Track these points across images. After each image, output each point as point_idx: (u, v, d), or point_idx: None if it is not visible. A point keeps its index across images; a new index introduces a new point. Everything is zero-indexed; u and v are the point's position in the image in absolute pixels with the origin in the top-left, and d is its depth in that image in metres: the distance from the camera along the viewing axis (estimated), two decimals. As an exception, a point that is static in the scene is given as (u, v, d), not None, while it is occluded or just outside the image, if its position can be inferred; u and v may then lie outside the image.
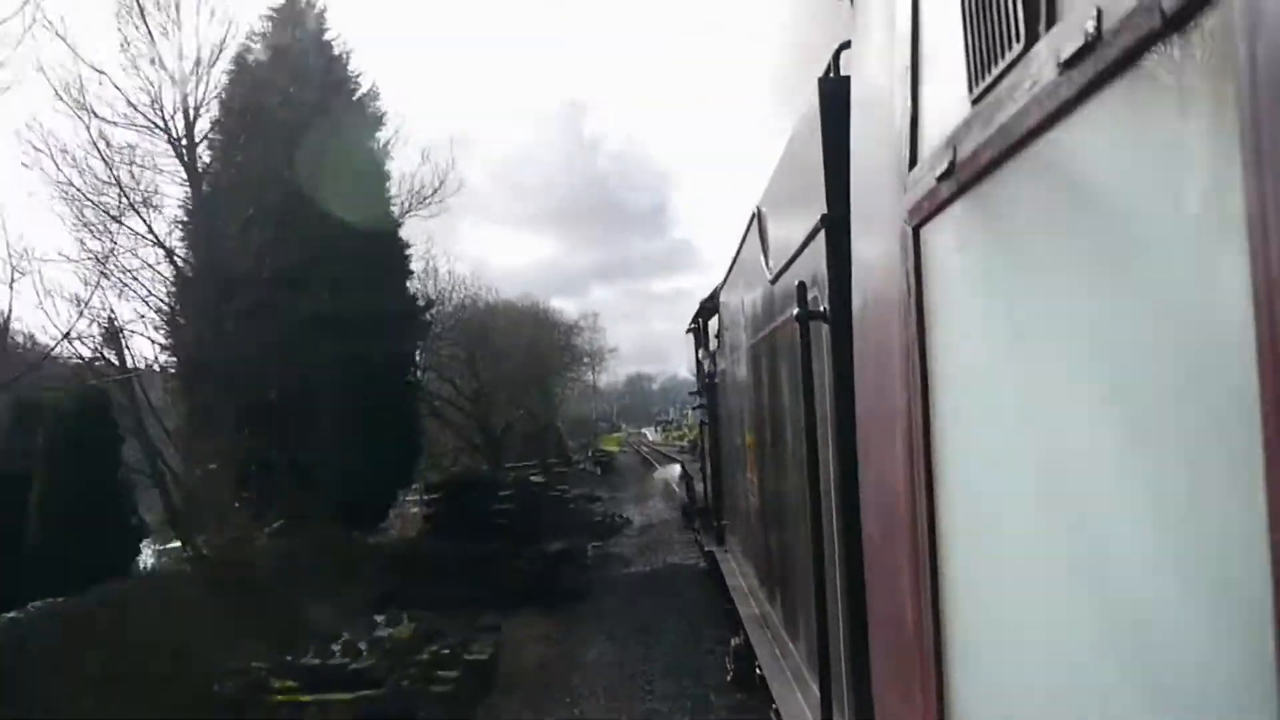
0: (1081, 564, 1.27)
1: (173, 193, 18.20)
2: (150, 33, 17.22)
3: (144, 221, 17.33)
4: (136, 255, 17.41)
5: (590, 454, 51.14)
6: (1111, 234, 1.14)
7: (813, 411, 3.42)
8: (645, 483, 36.88)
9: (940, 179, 1.64)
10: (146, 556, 17.12)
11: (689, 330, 13.63)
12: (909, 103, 1.90)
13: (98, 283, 16.29)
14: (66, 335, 15.06)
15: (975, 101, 1.50)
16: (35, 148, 16.44)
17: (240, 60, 18.52)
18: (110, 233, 17.09)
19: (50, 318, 17.83)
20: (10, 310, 15.65)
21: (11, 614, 9.86)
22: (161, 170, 17.90)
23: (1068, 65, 1.16)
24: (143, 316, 17.56)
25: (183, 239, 18.15)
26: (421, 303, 22.51)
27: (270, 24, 19.16)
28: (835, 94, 3.25)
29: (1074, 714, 1.32)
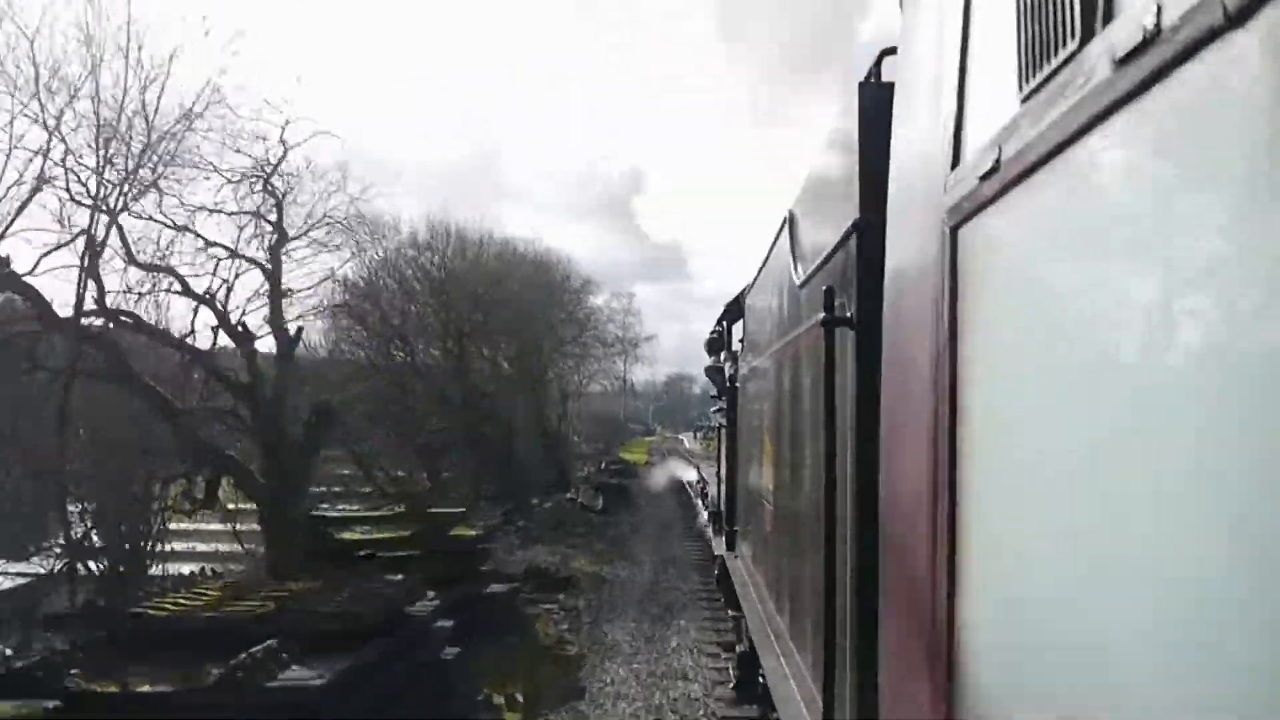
0: (1110, 581, 1.24)
1: None
2: None
3: None
4: None
5: (601, 467, 36.17)
6: (1162, 236, 1.11)
7: (833, 418, 3.39)
8: (673, 541, 20.11)
9: (983, 178, 1.62)
10: None
11: (712, 334, 13.61)
12: (955, 103, 1.88)
13: None
14: None
15: (1025, 100, 1.47)
16: None
17: None
18: None
19: None
20: None
21: None
22: None
23: (1124, 62, 1.13)
24: None
25: None
26: None
27: None
28: (875, 98, 3.22)
29: None
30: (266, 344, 14.93)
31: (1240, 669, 0.94)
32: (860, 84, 3.52)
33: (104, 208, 12.84)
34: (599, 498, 27.35)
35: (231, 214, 14.93)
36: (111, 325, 13.11)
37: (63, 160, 12.45)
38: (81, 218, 12.80)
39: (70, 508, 12.22)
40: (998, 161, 1.55)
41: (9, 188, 12.05)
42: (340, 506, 18.80)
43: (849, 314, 3.33)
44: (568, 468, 33.67)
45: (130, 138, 13.22)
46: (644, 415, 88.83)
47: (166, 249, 14.17)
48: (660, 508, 28.41)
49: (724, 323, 12.28)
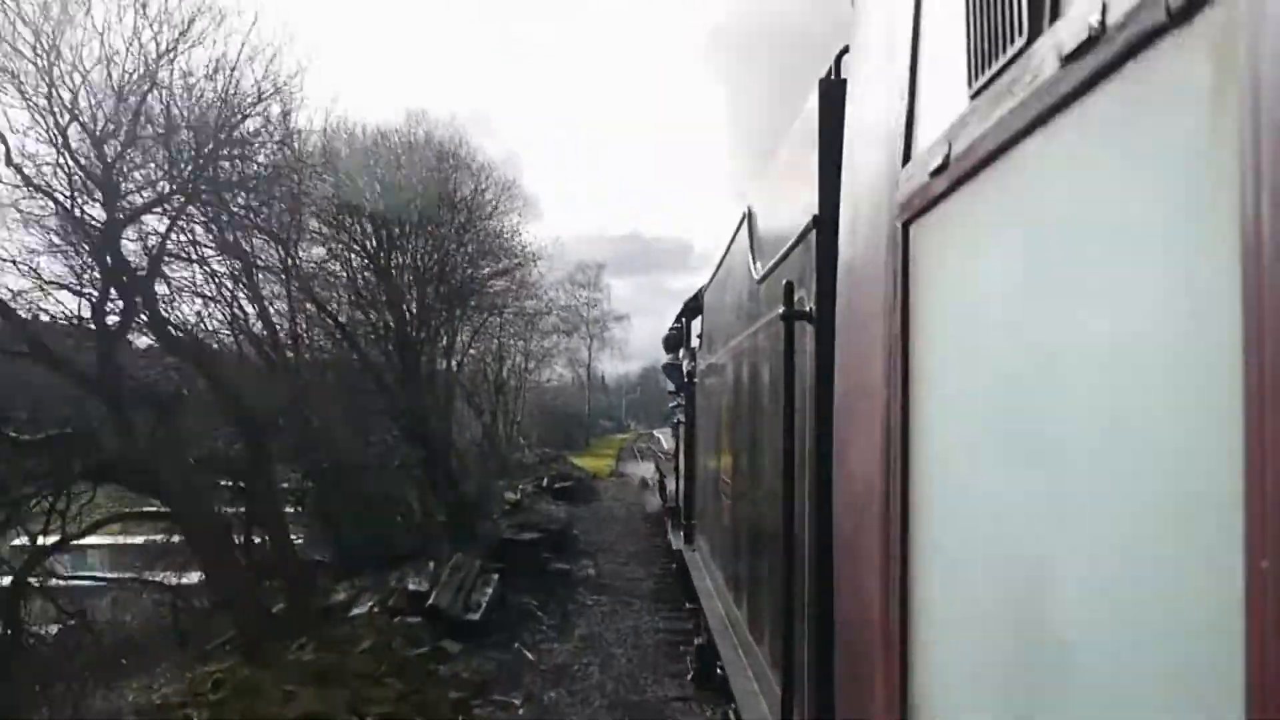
0: (1056, 570, 1.26)
1: None
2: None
3: None
4: None
5: (544, 484, 24.15)
6: (1107, 230, 1.13)
7: (792, 412, 3.42)
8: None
9: (933, 174, 1.64)
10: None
11: (671, 330, 13.62)
12: (906, 99, 1.89)
13: None
14: None
15: (974, 96, 1.49)
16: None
17: None
18: None
19: None
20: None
21: None
22: None
23: (1070, 59, 1.15)
24: None
25: None
26: None
27: None
28: (834, 95, 3.25)
29: (1033, 712, 1.31)
30: None
31: (1184, 656, 0.96)
32: (820, 80, 3.54)
33: None
34: (485, 587, 11.96)
35: None
36: None
37: None
38: None
39: None
40: (947, 157, 1.57)
41: None
42: None
43: (808, 308, 3.36)
44: (487, 498, 19.61)
45: None
46: (616, 410, 79.77)
47: None
48: (629, 636, 11.55)
49: (683, 319, 12.30)
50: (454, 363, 22.22)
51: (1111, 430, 1.12)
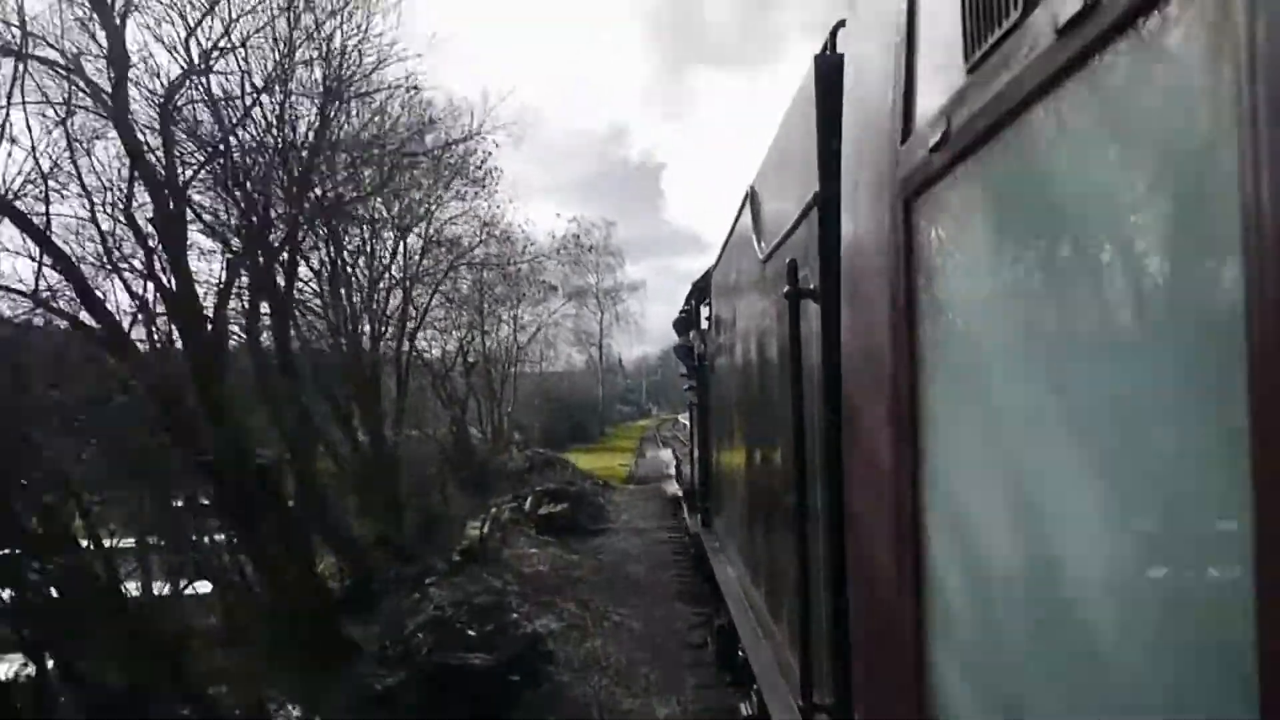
0: (1064, 543, 1.26)
1: None
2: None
3: None
4: None
5: (527, 508, 16.88)
6: (1107, 201, 1.12)
7: (800, 390, 3.42)
8: None
9: (933, 150, 1.62)
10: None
11: (681, 313, 13.58)
12: (904, 75, 1.87)
13: None
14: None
15: (971, 70, 1.48)
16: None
17: None
18: None
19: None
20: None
21: None
22: None
23: (1066, 30, 1.14)
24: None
25: None
26: None
27: None
28: (831, 71, 3.22)
29: (1051, 692, 1.31)
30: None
31: (1197, 649, 0.96)
32: (815, 56, 3.51)
33: None
34: None
35: None
36: None
37: None
38: None
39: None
40: (947, 133, 1.55)
41: None
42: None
43: (813, 286, 3.34)
44: (432, 542, 13.66)
45: None
46: (635, 395, 73.12)
47: None
48: None
49: (692, 301, 12.26)
50: (389, 331, 15.31)
51: (1117, 401, 1.11)
